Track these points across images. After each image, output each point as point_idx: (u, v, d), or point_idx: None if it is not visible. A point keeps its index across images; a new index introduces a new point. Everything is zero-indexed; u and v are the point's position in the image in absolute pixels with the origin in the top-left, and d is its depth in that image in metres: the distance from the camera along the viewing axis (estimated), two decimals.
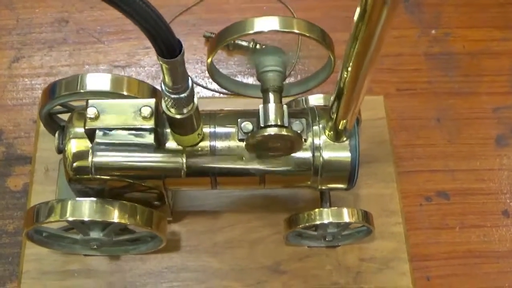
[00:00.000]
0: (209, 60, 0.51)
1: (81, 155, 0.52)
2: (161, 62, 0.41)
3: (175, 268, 0.62)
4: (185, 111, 0.46)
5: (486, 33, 0.83)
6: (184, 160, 0.49)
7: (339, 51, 0.80)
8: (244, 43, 0.78)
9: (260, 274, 0.62)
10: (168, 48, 0.39)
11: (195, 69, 0.79)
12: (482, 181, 0.74)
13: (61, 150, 0.53)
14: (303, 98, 0.60)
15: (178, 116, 0.46)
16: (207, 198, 0.64)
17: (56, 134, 0.54)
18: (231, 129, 0.53)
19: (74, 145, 0.52)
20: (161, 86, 0.44)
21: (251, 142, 0.50)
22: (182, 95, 0.44)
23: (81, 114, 0.54)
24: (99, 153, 0.48)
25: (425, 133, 0.76)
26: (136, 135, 0.49)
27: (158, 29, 0.38)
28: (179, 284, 0.61)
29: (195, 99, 0.47)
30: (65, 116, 0.60)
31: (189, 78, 0.45)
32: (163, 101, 0.46)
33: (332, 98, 0.50)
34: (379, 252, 0.63)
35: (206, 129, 0.53)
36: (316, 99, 0.60)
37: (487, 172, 0.74)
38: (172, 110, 0.46)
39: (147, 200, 0.57)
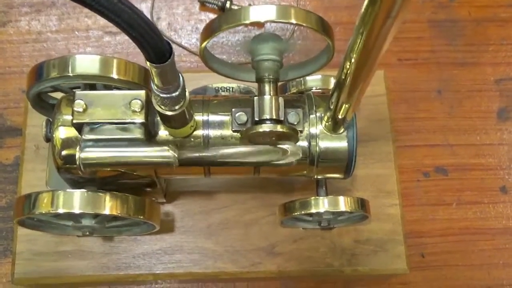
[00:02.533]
0: (203, 46, 0.48)
1: (69, 143, 0.50)
2: (150, 67, 0.38)
3: (169, 250, 0.61)
4: (177, 107, 0.44)
5: None
6: (176, 154, 0.48)
7: (340, 18, 0.78)
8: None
9: (254, 255, 0.61)
10: (157, 54, 0.37)
11: (189, 36, 0.76)
12: (481, 156, 0.73)
13: (49, 139, 0.52)
14: (301, 79, 0.58)
15: (169, 113, 0.44)
16: (201, 178, 0.63)
17: (44, 123, 0.52)
18: (225, 118, 0.51)
19: (63, 133, 0.51)
20: (150, 85, 0.42)
21: (245, 137, 0.48)
22: (174, 94, 0.42)
23: (70, 100, 0.52)
24: (87, 149, 0.47)
25: (426, 105, 0.74)
26: (125, 129, 0.47)
27: (146, 35, 0.36)
28: (173, 266, 0.61)
29: (187, 94, 0.45)
30: (54, 94, 0.58)
31: (180, 75, 0.43)
32: (153, 97, 0.44)
33: (332, 88, 0.47)
34: (375, 234, 0.63)
35: (199, 117, 0.51)
36: (314, 81, 0.58)
37: (487, 147, 0.73)
38: (163, 107, 0.44)
39: (139, 185, 0.56)
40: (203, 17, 0.76)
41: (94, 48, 0.74)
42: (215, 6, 0.75)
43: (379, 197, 0.64)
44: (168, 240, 0.62)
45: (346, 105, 0.47)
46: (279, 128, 0.47)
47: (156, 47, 0.37)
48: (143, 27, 0.35)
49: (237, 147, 0.48)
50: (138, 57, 0.73)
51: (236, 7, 0.75)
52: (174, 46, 0.75)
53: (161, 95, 0.42)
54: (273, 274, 0.61)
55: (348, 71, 0.42)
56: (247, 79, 0.54)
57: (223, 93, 0.65)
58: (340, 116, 0.49)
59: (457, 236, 0.69)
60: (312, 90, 0.55)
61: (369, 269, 0.62)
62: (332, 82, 0.59)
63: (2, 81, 0.72)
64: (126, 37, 0.75)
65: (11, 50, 0.74)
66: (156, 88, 0.42)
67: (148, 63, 0.38)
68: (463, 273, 0.68)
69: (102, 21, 0.76)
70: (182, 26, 0.76)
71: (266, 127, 0.46)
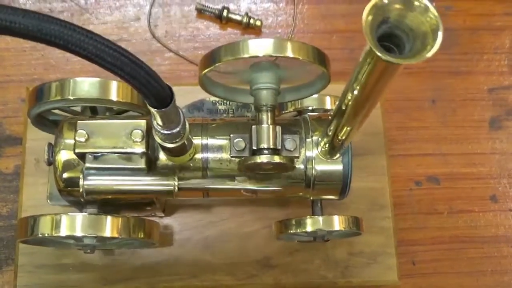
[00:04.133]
0: (202, 75, 0.49)
1: (71, 167, 0.52)
2: (152, 111, 0.39)
3: (168, 262, 0.63)
4: (177, 140, 0.45)
5: (488, 6, 0.80)
6: (176, 183, 0.49)
7: (337, 26, 0.78)
8: (238, 17, 0.75)
9: (251, 268, 0.63)
10: (159, 101, 0.38)
11: (187, 44, 0.76)
12: (473, 165, 0.74)
13: (50, 163, 0.53)
14: None
15: (170, 145, 0.46)
16: None
17: (46, 147, 0.53)
18: (223, 142, 0.52)
19: (65, 157, 0.52)
20: (151, 122, 0.43)
21: (243, 167, 0.49)
22: (174, 131, 0.43)
23: (71, 124, 0.53)
24: (90, 178, 0.48)
25: (419, 115, 0.75)
26: (127, 159, 0.48)
27: (148, 85, 0.36)
28: (171, 278, 0.63)
29: (187, 127, 0.46)
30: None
31: (181, 112, 0.44)
32: (154, 132, 0.45)
33: (331, 115, 0.48)
34: (368, 247, 0.65)
35: (198, 141, 0.52)
36: (310, 100, 0.59)
37: (479, 156, 0.75)
38: (164, 140, 0.45)
39: (139, 204, 0.57)
40: (200, 25, 0.77)
41: None
42: (212, 14, 0.76)
43: (372, 210, 0.65)
44: (166, 252, 0.63)
45: (346, 133, 0.48)
46: (276, 159, 0.48)
47: (158, 94, 0.38)
48: (145, 77, 0.36)
49: (237, 184, 0.50)
50: None
51: (233, 16, 0.75)
52: (170, 54, 0.75)
53: (162, 131, 0.43)
54: (269, 286, 0.63)
55: (350, 102, 0.43)
56: (245, 101, 0.55)
57: (220, 107, 0.66)
58: (338, 143, 0.50)
59: (447, 244, 0.71)
60: (308, 114, 0.56)
61: (362, 280, 0.64)
62: (328, 101, 0.60)
63: (1, 89, 0.73)
64: (125, 46, 0.76)
65: (9, 58, 0.74)
66: (157, 125, 0.43)
67: (150, 108, 0.39)
68: (452, 280, 0.70)
69: (100, 28, 0.76)
70: (180, 34, 0.76)
71: (263, 158, 0.48)
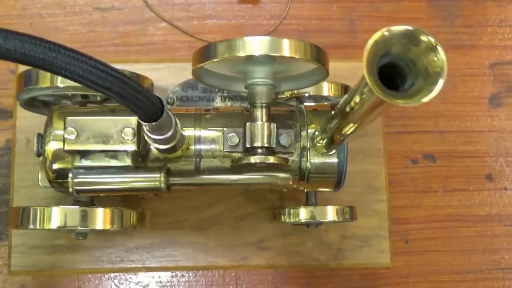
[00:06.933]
0: (196, 68, 0.47)
1: (61, 158, 0.51)
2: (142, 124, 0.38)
3: (161, 244, 0.63)
4: (169, 141, 0.44)
5: None
6: (166, 181, 0.48)
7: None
8: None
9: (244, 250, 0.63)
10: (149, 116, 0.37)
11: (181, 13, 0.73)
12: (470, 143, 0.73)
13: (40, 154, 0.52)
14: None
15: (162, 147, 0.44)
16: None
17: (35, 138, 0.52)
18: (217, 134, 0.51)
19: (54, 148, 0.51)
20: (142, 129, 0.42)
21: (236, 166, 0.48)
22: (167, 135, 0.42)
23: (62, 113, 0.52)
24: (79, 176, 0.47)
25: None
26: (117, 157, 0.47)
27: (138, 102, 0.35)
28: (165, 259, 0.63)
29: (179, 128, 0.45)
30: None
31: (172, 116, 0.42)
32: (145, 136, 0.44)
33: (333, 113, 0.47)
34: (360, 230, 0.65)
35: (191, 132, 0.51)
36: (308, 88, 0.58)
37: (476, 134, 0.73)
38: (155, 142, 0.44)
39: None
40: None
41: (83, 25, 0.72)
42: None
43: (367, 193, 0.65)
44: (160, 234, 0.63)
45: (347, 133, 0.46)
46: (270, 159, 0.47)
47: (148, 110, 0.36)
48: (134, 95, 0.34)
49: (227, 176, 0.49)
50: (129, 35, 0.71)
51: None
52: (164, 24, 0.72)
53: (153, 136, 0.42)
54: (262, 268, 0.63)
55: (357, 106, 0.40)
56: (241, 90, 0.53)
57: None
58: (338, 139, 0.48)
59: (441, 222, 0.71)
60: (304, 104, 0.55)
61: (354, 263, 0.64)
62: (326, 87, 0.58)
63: None
64: (117, 15, 0.73)
65: None
66: (147, 130, 0.41)
67: (141, 122, 0.38)
68: (444, 258, 0.71)
69: None
70: (174, 3, 0.73)
71: (257, 158, 0.47)
